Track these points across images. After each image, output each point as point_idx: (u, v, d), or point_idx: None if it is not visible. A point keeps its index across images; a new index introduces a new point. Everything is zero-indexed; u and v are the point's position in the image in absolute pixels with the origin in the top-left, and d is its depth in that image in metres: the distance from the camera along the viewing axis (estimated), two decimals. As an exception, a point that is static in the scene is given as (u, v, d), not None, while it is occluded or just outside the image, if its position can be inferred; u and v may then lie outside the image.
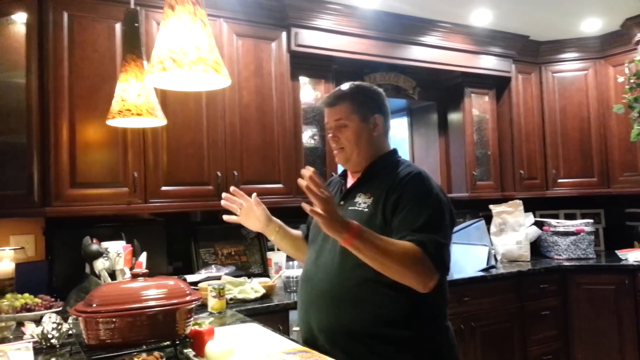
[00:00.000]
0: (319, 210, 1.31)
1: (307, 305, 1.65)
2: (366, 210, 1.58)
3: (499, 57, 3.99)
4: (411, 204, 1.51)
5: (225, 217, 1.82)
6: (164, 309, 1.42)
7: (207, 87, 1.41)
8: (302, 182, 1.33)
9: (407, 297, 1.50)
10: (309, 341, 1.62)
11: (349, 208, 1.63)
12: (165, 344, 1.52)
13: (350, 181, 1.75)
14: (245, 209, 1.80)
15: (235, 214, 1.82)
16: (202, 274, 2.83)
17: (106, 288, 1.51)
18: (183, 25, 1.20)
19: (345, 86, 1.72)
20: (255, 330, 1.88)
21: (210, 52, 1.20)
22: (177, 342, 1.50)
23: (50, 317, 1.79)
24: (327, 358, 1.40)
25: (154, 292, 1.45)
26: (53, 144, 2.43)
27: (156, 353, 1.34)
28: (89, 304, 1.40)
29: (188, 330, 1.51)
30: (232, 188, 1.81)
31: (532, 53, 4.20)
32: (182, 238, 3.08)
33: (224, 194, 1.81)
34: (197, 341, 1.53)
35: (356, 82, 1.76)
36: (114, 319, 1.37)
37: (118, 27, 2.60)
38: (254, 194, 1.79)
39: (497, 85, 4.12)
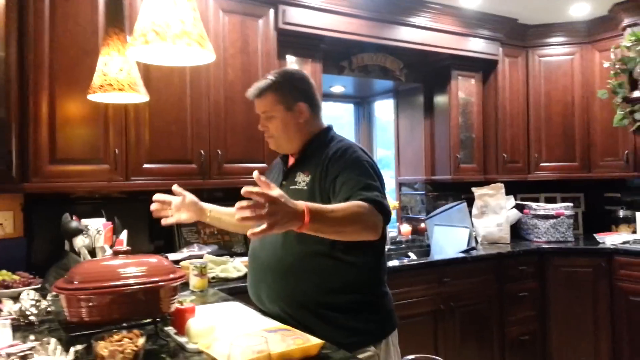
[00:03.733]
0: (264, 225, 1.22)
1: (256, 279, 1.77)
2: (305, 188, 1.69)
3: (487, 40, 3.99)
4: (347, 174, 1.60)
5: (164, 222, 1.92)
6: (147, 287, 1.41)
7: (191, 62, 1.39)
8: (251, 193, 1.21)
9: (347, 267, 1.64)
10: (262, 312, 1.75)
11: (290, 187, 1.73)
12: (145, 321, 1.51)
13: (290, 161, 1.84)
14: (176, 206, 1.92)
15: (167, 216, 1.92)
16: (184, 252, 2.82)
17: (88, 265, 1.49)
18: (167, -3, 1.17)
19: (269, 76, 1.78)
20: (237, 309, 1.88)
21: (194, 26, 1.18)
22: (158, 319, 1.49)
23: (28, 294, 1.77)
24: (307, 335, 1.41)
25: (136, 269, 1.43)
26: (32, 118, 2.37)
27: (136, 330, 1.33)
28: (70, 280, 1.37)
29: (173, 308, 1.50)
30: (155, 196, 1.90)
31: (520, 36, 4.20)
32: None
33: (152, 207, 1.90)
34: (178, 319, 1.52)
35: (280, 70, 1.84)
36: (96, 297, 1.35)
37: (101, -1, 2.53)
38: (175, 185, 1.91)
39: (484, 68, 4.12)
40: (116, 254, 1.50)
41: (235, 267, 2.66)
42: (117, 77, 1.77)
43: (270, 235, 1.59)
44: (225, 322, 1.63)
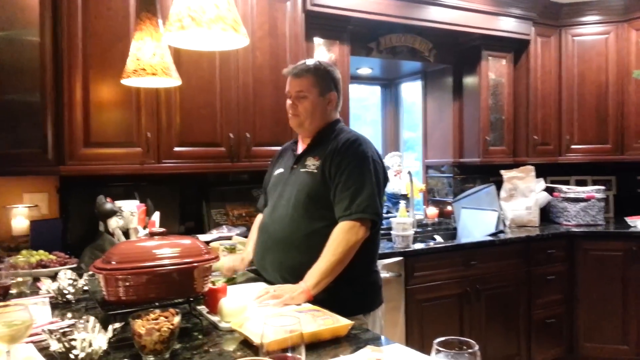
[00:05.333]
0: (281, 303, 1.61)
1: (263, 249, 1.98)
2: (316, 171, 1.88)
3: (519, 19, 3.89)
4: (350, 167, 1.82)
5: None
6: (182, 267, 1.44)
7: (226, 47, 1.40)
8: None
9: None
10: (264, 278, 2.01)
11: (301, 170, 1.94)
12: (179, 300, 1.55)
13: (300, 147, 2.04)
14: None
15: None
16: (214, 234, 2.87)
17: (124, 246, 1.53)
18: (201, -17, 1.18)
19: (310, 62, 1.97)
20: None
21: (229, 11, 1.19)
22: (191, 299, 1.53)
23: (65, 274, 1.83)
24: (337, 316, 1.44)
25: (171, 250, 1.46)
26: (67, 103, 2.43)
27: (171, 309, 1.37)
28: (108, 261, 1.42)
29: (206, 288, 1.54)
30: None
31: (553, 15, 4.09)
32: (194, 198, 3.11)
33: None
34: (211, 298, 1.56)
35: (320, 60, 2.01)
36: (132, 277, 1.40)
37: (131, -16, 2.55)
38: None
39: (516, 48, 4.03)
40: (152, 235, 1.53)
41: (264, 248, 2.69)
42: (150, 61, 1.80)
43: (280, 212, 1.93)
44: (255, 302, 1.66)
